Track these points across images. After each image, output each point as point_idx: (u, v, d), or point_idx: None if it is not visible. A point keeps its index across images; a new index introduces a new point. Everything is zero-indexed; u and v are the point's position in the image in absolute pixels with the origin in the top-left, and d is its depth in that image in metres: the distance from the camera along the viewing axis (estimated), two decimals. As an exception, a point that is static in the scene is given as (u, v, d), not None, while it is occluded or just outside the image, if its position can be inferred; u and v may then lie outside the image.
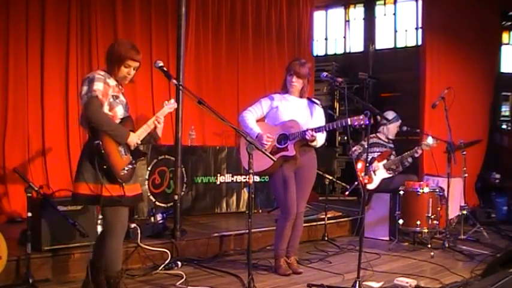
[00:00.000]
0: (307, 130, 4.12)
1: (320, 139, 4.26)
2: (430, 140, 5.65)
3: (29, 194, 3.60)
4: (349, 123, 3.99)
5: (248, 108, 4.37)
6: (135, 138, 3.25)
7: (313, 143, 4.24)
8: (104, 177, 3.11)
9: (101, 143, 3.09)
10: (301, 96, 4.35)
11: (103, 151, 3.08)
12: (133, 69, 3.31)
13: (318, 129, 4.16)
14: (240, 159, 4.55)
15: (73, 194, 3.22)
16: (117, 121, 3.23)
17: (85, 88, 3.14)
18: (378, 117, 3.97)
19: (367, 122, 3.82)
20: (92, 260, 3.37)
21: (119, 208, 3.20)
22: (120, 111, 3.25)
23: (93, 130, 3.16)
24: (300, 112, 4.29)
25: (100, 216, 4.12)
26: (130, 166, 3.24)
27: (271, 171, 4.22)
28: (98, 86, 3.12)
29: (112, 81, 3.24)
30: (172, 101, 3.53)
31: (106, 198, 3.10)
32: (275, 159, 4.00)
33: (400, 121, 6.06)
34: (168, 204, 5.67)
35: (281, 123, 4.24)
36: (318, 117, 4.38)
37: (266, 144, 4.14)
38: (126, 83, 3.38)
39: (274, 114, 4.30)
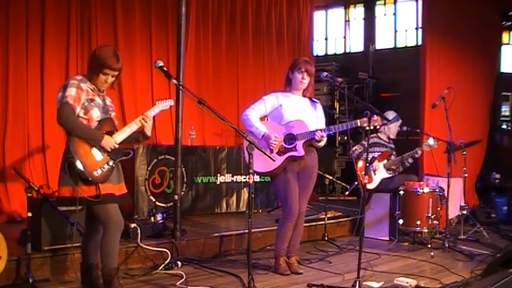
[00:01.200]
0: (316, 131, 4.11)
1: (324, 139, 4.25)
2: (431, 141, 5.65)
3: (29, 194, 3.59)
4: (359, 124, 3.99)
5: (251, 106, 4.29)
6: (110, 142, 3.29)
7: (320, 143, 4.22)
8: (79, 180, 3.20)
9: (70, 147, 3.20)
10: (304, 95, 4.34)
11: (72, 155, 3.17)
12: (112, 76, 3.35)
13: (327, 130, 4.14)
14: (242, 159, 4.53)
15: (57, 196, 3.34)
16: (94, 123, 3.30)
17: (60, 94, 3.25)
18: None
19: (376, 124, 3.83)
20: (82, 263, 3.46)
21: (106, 205, 3.27)
22: (96, 114, 3.31)
23: (67, 133, 3.29)
24: (306, 111, 4.28)
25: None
26: (107, 166, 3.29)
27: (277, 172, 4.18)
28: (70, 92, 3.21)
29: (87, 85, 3.31)
30: (169, 101, 3.56)
31: (82, 200, 3.18)
32: (275, 159, 4.00)
33: (400, 120, 6.07)
34: (168, 204, 5.67)
35: (287, 122, 4.20)
36: (321, 116, 4.39)
37: (274, 144, 4.11)
38: (105, 88, 3.42)
39: (278, 112, 4.25)
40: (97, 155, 3.27)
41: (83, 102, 3.26)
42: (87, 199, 3.19)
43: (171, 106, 3.66)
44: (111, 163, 3.31)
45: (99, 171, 3.25)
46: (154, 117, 3.56)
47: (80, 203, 3.20)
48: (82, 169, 3.18)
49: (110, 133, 3.34)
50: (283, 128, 4.21)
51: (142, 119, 3.43)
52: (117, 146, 3.34)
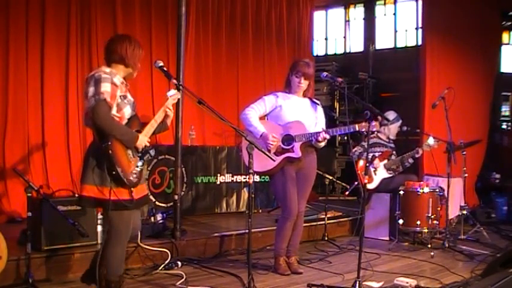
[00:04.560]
0: (319, 132, 4.11)
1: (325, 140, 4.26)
2: (431, 141, 5.65)
3: (29, 194, 3.59)
4: (357, 129, 4.00)
5: (250, 105, 4.29)
6: (144, 140, 3.18)
7: (321, 144, 4.21)
8: (112, 182, 3.03)
9: (110, 148, 2.99)
10: (304, 96, 4.35)
11: (112, 156, 3.00)
12: None
13: (330, 132, 4.14)
14: (241, 159, 4.54)
15: (79, 195, 3.16)
16: (125, 122, 3.15)
17: (92, 89, 3.03)
18: (379, 118, 3.99)
19: (373, 129, 3.84)
20: (95, 257, 3.29)
21: (124, 212, 3.12)
22: (127, 112, 3.17)
23: (100, 132, 3.07)
24: (305, 112, 4.28)
25: (100, 217, 4.13)
26: (138, 169, 3.16)
27: (274, 172, 4.20)
28: (106, 88, 3.01)
29: (118, 80, 3.14)
30: (173, 91, 3.45)
31: (113, 203, 3.03)
32: (275, 159, 4.00)
33: (400, 121, 6.07)
34: (168, 204, 5.67)
35: (286, 123, 4.20)
36: (321, 117, 4.39)
37: (271, 145, 4.10)
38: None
39: (277, 113, 4.26)
40: (130, 157, 3.13)
41: (117, 99, 3.09)
42: (121, 203, 3.04)
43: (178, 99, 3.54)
44: (141, 164, 3.19)
45: (134, 174, 3.12)
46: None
47: (104, 205, 3.04)
48: (121, 173, 3.02)
49: (138, 132, 3.20)
50: (281, 128, 4.21)
51: (165, 109, 3.33)
52: (148, 144, 3.22)
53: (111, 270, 3.21)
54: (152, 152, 3.28)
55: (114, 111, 3.09)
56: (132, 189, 3.11)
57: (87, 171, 3.07)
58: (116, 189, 3.04)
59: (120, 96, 3.12)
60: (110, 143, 3.01)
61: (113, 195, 3.01)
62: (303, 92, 4.32)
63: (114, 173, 3.01)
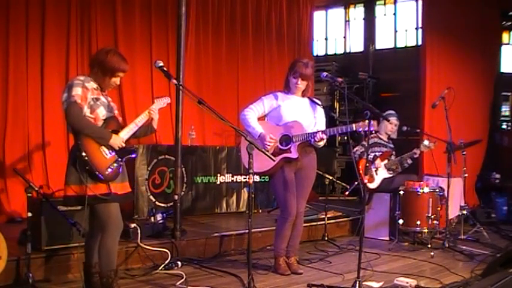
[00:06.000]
0: (316, 132, 4.10)
1: (324, 140, 4.24)
2: (426, 142, 5.66)
3: (29, 194, 3.60)
4: (354, 129, 4.00)
5: (249, 106, 4.31)
6: (118, 141, 3.32)
7: (320, 143, 4.21)
8: (88, 178, 3.20)
9: (81, 145, 3.18)
10: (303, 96, 4.34)
11: (83, 154, 3.17)
12: (120, 78, 3.41)
13: (327, 132, 4.13)
14: (240, 159, 4.54)
15: (63, 196, 3.34)
16: (100, 123, 3.31)
17: (65, 95, 3.24)
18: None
19: (371, 129, 3.84)
20: (85, 262, 3.45)
21: (109, 205, 3.26)
22: (102, 113, 3.31)
23: (74, 134, 3.26)
24: (304, 112, 4.28)
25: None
26: (116, 165, 3.31)
27: (272, 172, 4.21)
28: (77, 91, 3.21)
29: (91, 84, 3.30)
30: (166, 98, 3.59)
31: (91, 198, 3.18)
32: (275, 159, 4.00)
33: (394, 118, 5.98)
34: (168, 204, 5.67)
35: (284, 123, 4.20)
36: (320, 117, 4.38)
37: (268, 145, 4.11)
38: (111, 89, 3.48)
39: (276, 113, 4.26)
40: (105, 153, 3.28)
41: (89, 101, 3.26)
42: (98, 197, 3.20)
43: (168, 104, 3.67)
44: (118, 161, 3.34)
45: (109, 169, 3.27)
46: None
47: (88, 201, 3.19)
48: (94, 168, 3.18)
49: (115, 132, 3.35)
50: (280, 128, 4.21)
51: (149, 113, 3.48)
52: (123, 144, 3.36)
53: (103, 265, 3.31)
54: (133, 155, 3.46)
55: (87, 112, 3.26)
56: (109, 183, 3.25)
57: (68, 172, 3.28)
58: (92, 184, 3.21)
59: (93, 98, 3.28)
60: (82, 140, 3.21)
61: (89, 191, 3.17)
62: (302, 92, 4.32)
63: (87, 168, 3.18)
